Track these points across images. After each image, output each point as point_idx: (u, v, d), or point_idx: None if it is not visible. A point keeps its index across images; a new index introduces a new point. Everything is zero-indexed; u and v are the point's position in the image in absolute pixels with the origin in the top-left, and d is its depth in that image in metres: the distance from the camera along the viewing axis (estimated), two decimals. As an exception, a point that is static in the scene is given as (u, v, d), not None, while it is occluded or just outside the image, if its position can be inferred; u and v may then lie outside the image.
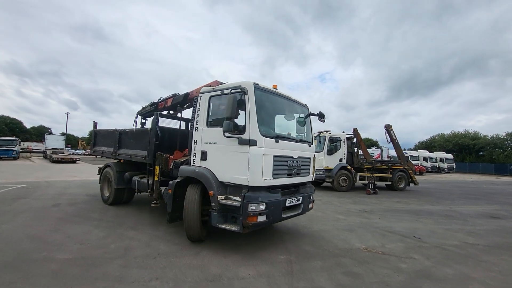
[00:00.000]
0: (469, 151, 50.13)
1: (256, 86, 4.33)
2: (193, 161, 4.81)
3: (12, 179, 12.14)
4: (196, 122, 4.89)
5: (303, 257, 4.21)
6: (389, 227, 6.37)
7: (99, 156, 8.73)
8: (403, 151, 35.74)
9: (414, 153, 37.76)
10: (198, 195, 4.53)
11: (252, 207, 3.95)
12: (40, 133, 78.01)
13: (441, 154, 42.07)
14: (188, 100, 6.51)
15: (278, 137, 4.45)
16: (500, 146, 48.19)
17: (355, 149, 13.17)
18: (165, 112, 7.32)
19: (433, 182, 20.50)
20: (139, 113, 8.60)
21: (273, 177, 4.25)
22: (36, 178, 12.94)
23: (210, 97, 4.82)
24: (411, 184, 14.22)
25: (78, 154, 39.98)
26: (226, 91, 4.48)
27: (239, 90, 4.20)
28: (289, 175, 4.65)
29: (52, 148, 31.37)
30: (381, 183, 13.90)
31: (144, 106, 8.58)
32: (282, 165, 4.48)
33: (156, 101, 7.98)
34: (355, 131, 13.66)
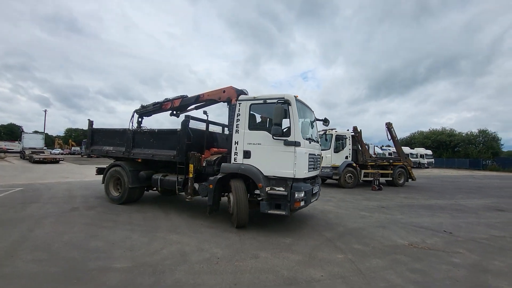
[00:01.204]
0: (446, 147, 53.10)
1: (296, 98, 5.38)
2: (235, 159, 5.54)
3: (1, 181, 11.22)
4: (237, 126, 5.62)
5: (360, 256, 4.23)
6: (415, 222, 6.58)
7: (95, 156, 8.52)
8: (384, 148, 37.05)
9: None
10: (244, 188, 5.37)
11: (297, 194, 4.98)
12: (10, 131, 72.87)
13: (421, 150, 44.26)
14: (199, 101, 7.13)
15: (308, 139, 5.65)
16: (474, 142, 51.43)
17: (359, 146, 13.47)
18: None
19: (422, 178, 21.49)
20: (137, 112, 8.45)
21: (308, 171, 5.35)
22: (28, 180, 12.04)
23: (251, 104, 5.60)
24: (409, 180, 14.82)
25: (56, 154, 37.97)
26: (269, 101, 5.39)
27: (283, 101, 5.15)
28: (314, 168, 5.83)
29: (30, 148, 29.44)
30: (382, 179, 14.33)
31: (144, 105, 8.43)
32: (311, 161, 5.60)
33: (159, 101, 7.98)
34: (355, 129, 13.97)
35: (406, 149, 43.58)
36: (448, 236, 5.55)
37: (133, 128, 7.68)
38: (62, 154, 44.40)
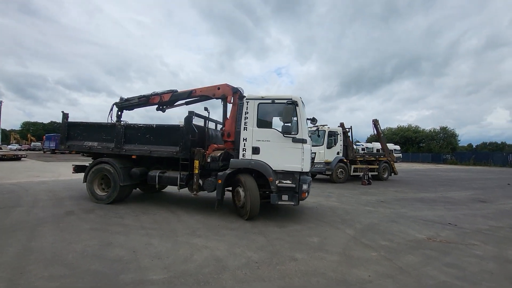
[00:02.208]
0: (411, 143, 56.99)
1: (301, 100, 5.90)
2: (243, 155, 5.87)
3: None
4: (245, 123, 5.93)
5: (392, 253, 4.26)
6: (419, 215, 6.87)
7: (73, 152, 7.81)
8: (358, 143, 38.74)
9: (369, 145, 41.36)
10: (255, 182, 5.73)
11: (304, 186, 5.61)
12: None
13: (390, 146, 47.05)
14: (191, 96, 7.18)
15: (309, 137, 6.22)
16: (436, 138, 55.79)
17: (350, 142, 13.82)
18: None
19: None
20: (117, 105, 8.00)
21: (310, 165, 5.99)
22: (-7, 180, 10.67)
23: (259, 104, 5.94)
24: (392, 174, 15.59)
25: (13, 150, 34.61)
26: (277, 101, 5.87)
27: (291, 102, 5.65)
28: (312, 163, 6.62)
29: (-15, 143, 26.27)
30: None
31: (126, 98, 7.99)
32: (311, 156, 6.23)
33: (146, 94, 7.65)
34: (342, 125, 14.31)
35: (377, 145, 46.17)
36: (455, 228, 5.84)
37: (124, 122, 7.06)
38: (21, 150, 40.42)
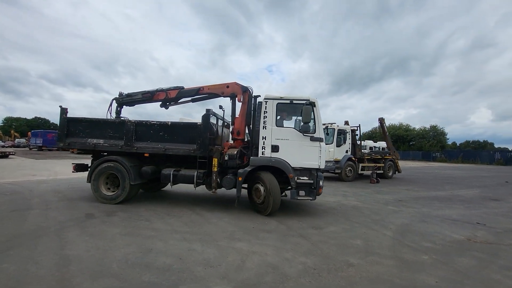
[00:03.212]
0: (402, 141, 58.18)
1: (317, 101, 6.14)
2: (262, 153, 6.05)
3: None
4: (264, 122, 6.11)
5: (442, 255, 4.15)
6: (444, 215, 6.84)
7: (74, 151, 7.31)
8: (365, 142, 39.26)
9: (374, 144, 41.93)
10: (275, 179, 5.90)
11: (321, 182, 5.98)
12: None
13: (383, 144, 47.79)
14: (199, 94, 7.12)
15: None
16: (426, 137, 57.17)
17: (358, 141, 13.79)
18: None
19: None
20: (117, 100, 7.68)
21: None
22: (-11, 179, 10.00)
23: (277, 103, 6.15)
24: (396, 172, 15.72)
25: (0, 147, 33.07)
26: (295, 102, 6.13)
27: (309, 102, 5.91)
28: None
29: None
30: (369, 172, 14.94)
31: (128, 93, 7.70)
32: None
33: (150, 90, 7.42)
34: (347, 123, 14.29)
35: (370, 143, 46.92)
36: (486, 228, 5.82)
37: (134, 120, 6.67)
38: (4, 147, 38.69)
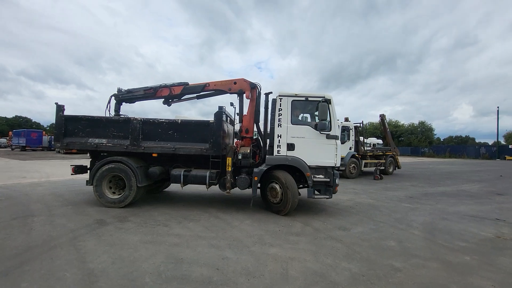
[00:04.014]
0: (392, 137, 59.32)
1: (332, 97, 5.96)
2: (278, 151, 5.89)
3: None
4: (279, 120, 5.93)
5: (481, 255, 4.03)
6: (460, 211, 6.81)
7: (74, 151, 6.55)
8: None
9: (376, 140, 42.46)
10: (292, 178, 5.76)
11: (337, 180, 5.93)
12: None
13: (374, 140, 48.47)
14: (205, 90, 6.85)
15: None
16: (415, 132, 58.51)
17: (361, 138, 13.74)
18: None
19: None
20: (116, 96, 7.23)
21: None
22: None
23: (292, 101, 5.96)
24: (396, 168, 15.84)
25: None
26: (310, 99, 5.97)
27: (324, 100, 5.75)
28: None
29: None
30: (371, 169, 14.98)
31: (128, 89, 7.25)
32: None
33: (153, 86, 7.07)
34: (346, 119, 14.23)
35: (374, 140, 47.72)
36: (508, 224, 5.79)
37: (141, 118, 6.25)
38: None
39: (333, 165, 5.81)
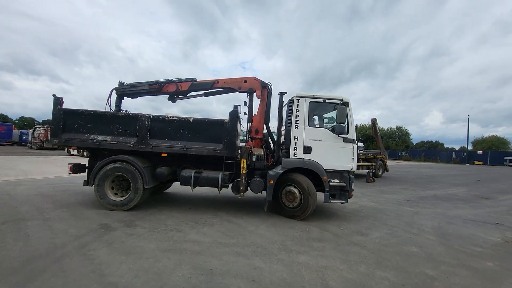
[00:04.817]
0: (372, 141, 61.43)
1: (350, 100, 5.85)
2: (294, 154, 5.73)
3: None
4: (296, 121, 5.76)
5: (503, 261, 4.11)
6: (460, 215, 7.03)
7: (73, 148, 6.37)
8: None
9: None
10: (310, 181, 5.61)
11: (353, 185, 5.84)
12: None
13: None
14: (213, 87, 6.59)
15: None
16: (393, 137, 61.02)
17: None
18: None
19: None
20: (117, 90, 6.78)
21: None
22: None
23: (310, 102, 5.83)
24: (385, 171, 16.30)
25: None
26: (328, 101, 5.82)
27: (342, 102, 5.64)
28: None
29: None
30: (362, 171, 15.32)
31: (131, 83, 6.84)
32: None
33: (159, 81, 6.72)
34: None
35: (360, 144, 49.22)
36: (508, 228, 6.04)
37: (150, 115, 5.85)
38: None
39: (350, 169, 5.73)
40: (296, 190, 5.59)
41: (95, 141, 5.65)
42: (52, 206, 5.68)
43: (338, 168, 5.74)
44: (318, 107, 6.04)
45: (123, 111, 6.65)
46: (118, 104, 6.89)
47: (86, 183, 5.79)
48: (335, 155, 5.72)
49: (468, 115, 47.28)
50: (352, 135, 5.77)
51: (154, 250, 3.72)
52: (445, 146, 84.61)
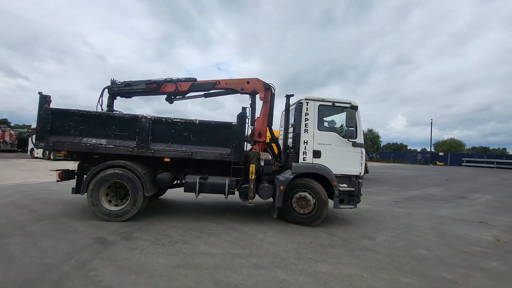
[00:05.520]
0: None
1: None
2: (304, 158, 5.63)
3: None
4: (305, 125, 5.66)
5: (504, 260, 4.31)
6: (447, 215, 7.41)
7: (63, 153, 5.81)
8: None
9: None
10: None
11: (362, 189, 5.80)
12: None
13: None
14: (215, 88, 6.32)
15: None
16: (364, 139, 63.98)
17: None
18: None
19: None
20: (109, 90, 6.28)
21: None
22: None
23: (319, 105, 5.75)
24: (365, 173, 16.90)
25: None
26: (337, 104, 5.81)
27: (351, 106, 5.61)
28: None
29: None
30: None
31: (126, 82, 6.37)
32: None
33: (157, 80, 6.34)
34: None
35: None
36: (492, 226, 6.44)
37: (151, 116, 5.43)
38: None
39: (358, 173, 5.73)
40: (310, 196, 5.44)
41: (88, 144, 5.07)
42: (31, 218, 4.99)
43: (346, 172, 5.69)
44: (327, 110, 5.95)
45: (116, 112, 6.11)
46: (111, 104, 6.32)
47: (76, 191, 5.19)
48: (344, 159, 5.68)
49: (431, 119, 51.21)
50: (360, 139, 5.76)
51: (166, 266, 3.36)
52: (408, 147, 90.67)
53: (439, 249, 4.65)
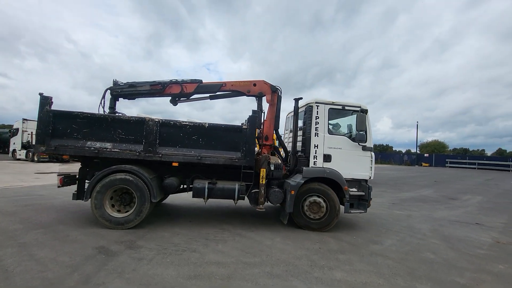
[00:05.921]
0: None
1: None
2: (314, 162, 5.55)
3: None
4: (316, 129, 5.59)
5: (508, 262, 4.40)
6: (444, 217, 7.56)
7: (66, 157, 5.57)
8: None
9: None
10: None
11: (372, 193, 5.75)
12: None
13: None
14: (221, 90, 6.16)
15: None
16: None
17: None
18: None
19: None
20: (112, 91, 6.01)
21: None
22: None
23: (329, 109, 5.69)
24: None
25: None
26: (347, 108, 5.72)
27: (361, 110, 5.60)
28: None
29: None
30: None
31: (130, 83, 6.09)
32: None
33: (162, 81, 6.13)
34: None
35: None
36: (488, 228, 6.60)
37: (158, 119, 5.19)
38: None
39: (368, 178, 5.71)
40: (324, 203, 5.36)
41: (92, 148, 4.81)
42: (23, 227, 4.67)
43: (356, 177, 5.65)
44: (337, 114, 5.88)
45: (120, 114, 5.85)
46: (113, 106, 6.04)
47: (77, 196, 4.91)
48: (354, 163, 5.64)
49: (417, 121, 53.00)
50: (370, 143, 5.72)
51: (177, 277, 3.20)
52: (394, 149, 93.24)
53: (445, 252, 4.69)
